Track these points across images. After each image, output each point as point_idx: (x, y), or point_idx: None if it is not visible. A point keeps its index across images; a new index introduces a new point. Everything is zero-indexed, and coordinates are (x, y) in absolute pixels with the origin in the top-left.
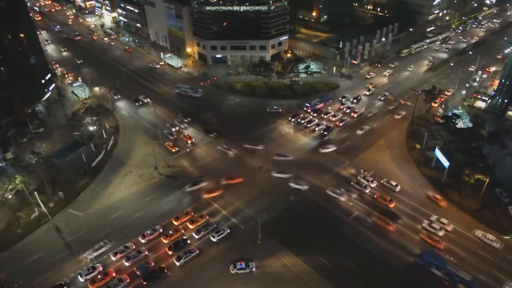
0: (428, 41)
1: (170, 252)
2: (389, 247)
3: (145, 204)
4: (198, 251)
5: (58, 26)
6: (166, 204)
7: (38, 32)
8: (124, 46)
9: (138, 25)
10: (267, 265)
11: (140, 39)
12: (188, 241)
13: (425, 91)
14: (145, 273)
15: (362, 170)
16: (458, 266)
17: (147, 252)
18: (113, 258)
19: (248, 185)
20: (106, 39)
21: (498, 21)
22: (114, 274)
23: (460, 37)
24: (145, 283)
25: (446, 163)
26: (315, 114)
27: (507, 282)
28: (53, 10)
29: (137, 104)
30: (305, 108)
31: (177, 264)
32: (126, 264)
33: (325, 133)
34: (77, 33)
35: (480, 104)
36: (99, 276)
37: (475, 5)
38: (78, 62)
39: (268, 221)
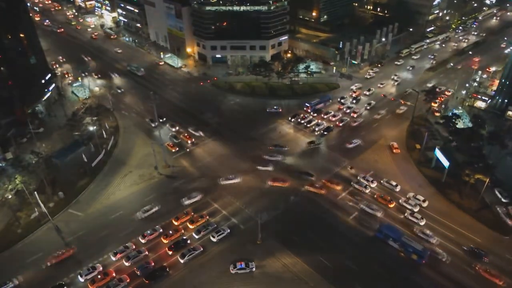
0: (428, 41)
1: (170, 252)
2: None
3: (145, 204)
4: (202, 249)
5: (47, 20)
6: None
7: (113, 75)
8: (121, 44)
9: (138, 25)
10: (267, 265)
11: (140, 39)
12: (188, 241)
13: (425, 91)
14: (145, 273)
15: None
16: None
17: (147, 252)
18: (113, 258)
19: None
20: (89, 29)
21: (476, 33)
22: (114, 274)
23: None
24: (147, 282)
25: (446, 163)
26: (315, 114)
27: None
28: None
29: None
30: (305, 108)
31: (181, 261)
32: (126, 264)
33: (325, 133)
34: (60, 26)
35: (480, 104)
36: (99, 276)
37: (475, 5)
38: (119, 91)
39: (268, 221)
